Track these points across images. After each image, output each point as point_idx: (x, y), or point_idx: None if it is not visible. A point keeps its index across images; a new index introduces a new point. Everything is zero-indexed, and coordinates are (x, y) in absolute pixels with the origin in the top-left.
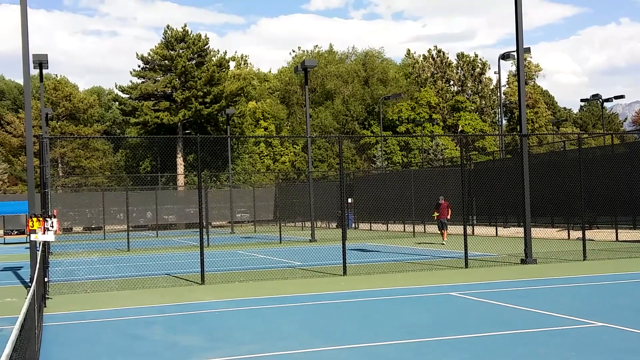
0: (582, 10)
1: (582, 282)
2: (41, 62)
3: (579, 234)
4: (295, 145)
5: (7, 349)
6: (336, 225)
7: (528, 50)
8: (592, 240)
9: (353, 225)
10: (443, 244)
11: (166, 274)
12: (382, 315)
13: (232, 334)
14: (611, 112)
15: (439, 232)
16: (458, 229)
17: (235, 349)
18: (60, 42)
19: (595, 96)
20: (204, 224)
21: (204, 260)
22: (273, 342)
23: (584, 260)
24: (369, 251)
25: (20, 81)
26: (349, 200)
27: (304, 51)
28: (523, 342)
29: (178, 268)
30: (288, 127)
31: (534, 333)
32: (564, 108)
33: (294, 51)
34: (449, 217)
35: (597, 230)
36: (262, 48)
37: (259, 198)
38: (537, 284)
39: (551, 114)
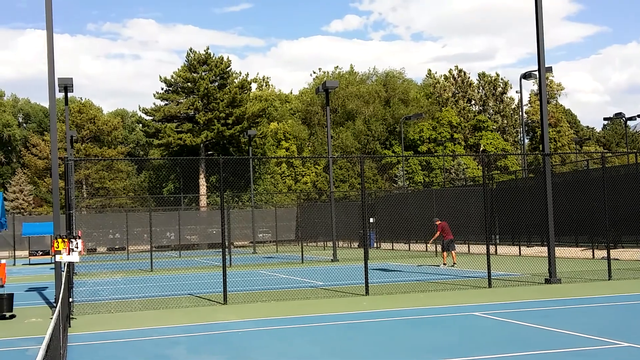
0: (602, 29)
1: (607, 302)
2: (66, 86)
3: (603, 253)
4: (316, 166)
5: None
6: (358, 245)
7: (550, 69)
8: (617, 259)
9: (375, 244)
10: (443, 265)
11: (189, 294)
12: (405, 335)
13: (255, 354)
14: (634, 131)
15: (446, 253)
16: (481, 249)
17: None
18: (84, 65)
19: (618, 115)
20: (227, 244)
21: (227, 280)
22: None
23: (609, 279)
24: (391, 271)
25: (46, 104)
26: (371, 219)
27: (324, 72)
28: None
29: (201, 288)
30: (309, 148)
31: (559, 354)
32: (587, 127)
33: (314, 72)
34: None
35: (622, 249)
36: (283, 70)
37: (281, 218)
38: (562, 304)
39: (574, 133)
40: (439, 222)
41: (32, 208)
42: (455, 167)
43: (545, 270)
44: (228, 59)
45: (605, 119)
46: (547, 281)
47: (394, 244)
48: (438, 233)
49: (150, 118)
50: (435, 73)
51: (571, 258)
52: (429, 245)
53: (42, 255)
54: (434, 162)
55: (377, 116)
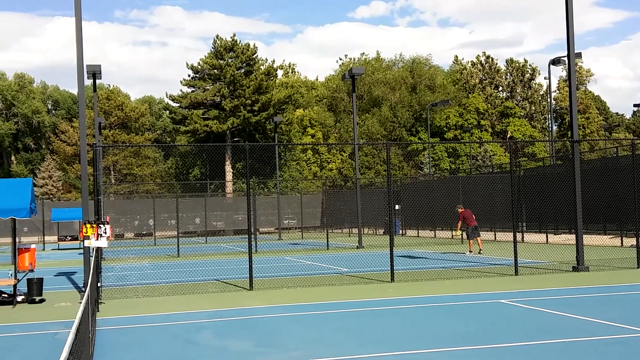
0: (633, 14)
1: (636, 290)
2: (94, 73)
3: (632, 241)
4: (342, 152)
5: (65, 353)
6: (383, 232)
7: (579, 55)
8: None
9: (400, 231)
10: (469, 252)
11: (215, 280)
12: (431, 322)
13: (281, 340)
14: None
15: (472, 241)
16: (508, 236)
17: (284, 354)
18: (112, 52)
19: None
20: (252, 230)
21: (252, 266)
22: (322, 348)
23: (637, 267)
24: (417, 258)
25: (74, 91)
26: (396, 206)
27: (350, 59)
28: (576, 351)
29: (227, 274)
30: (335, 134)
31: (587, 342)
32: (616, 113)
33: (340, 59)
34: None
35: None
36: (309, 56)
37: (306, 205)
38: (590, 292)
39: (603, 120)
40: (462, 209)
41: (61, 194)
42: (482, 154)
43: (572, 258)
44: (254, 45)
45: (635, 105)
46: (575, 269)
47: (419, 231)
48: (460, 222)
49: (177, 105)
50: (462, 59)
51: (599, 246)
52: (455, 233)
53: (70, 240)
54: (460, 149)
55: (403, 103)
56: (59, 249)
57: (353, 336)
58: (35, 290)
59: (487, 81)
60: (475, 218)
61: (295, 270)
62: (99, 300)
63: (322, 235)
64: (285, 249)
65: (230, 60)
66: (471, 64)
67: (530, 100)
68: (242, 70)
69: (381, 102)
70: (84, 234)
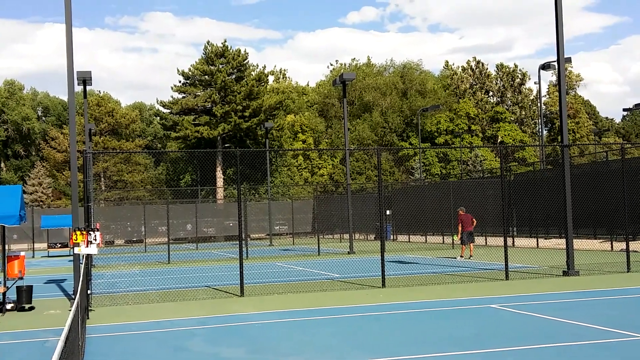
0: (622, 19)
1: (626, 294)
2: (85, 79)
3: (622, 245)
4: (333, 158)
5: None
6: (374, 237)
7: (569, 60)
8: (635, 251)
9: (391, 237)
10: (460, 257)
11: (206, 286)
12: (422, 327)
13: (273, 346)
14: None
15: (465, 245)
16: (498, 241)
17: None
18: (102, 59)
19: (638, 105)
20: (243, 236)
21: (243, 272)
22: (313, 354)
23: (627, 271)
24: (408, 263)
25: (65, 98)
26: (387, 212)
27: (341, 64)
28: (567, 355)
29: (218, 280)
30: (326, 140)
31: (577, 346)
32: (606, 118)
33: (331, 64)
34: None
35: None
36: (300, 62)
37: (298, 210)
38: (580, 296)
39: (593, 124)
40: (462, 213)
41: (51, 201)
42: (472, 159)
43: (563, 263)
44: (245, 51)
45: (624, 109)
46: (565, 273)
47: (410, 236)
48: (460, 225)
49: (168, 111)
50: (453, 64)
51: (589, 250)
52: (457, 237)
53: (60, 247)
54: (451, 154)
55: (394, 108)
56: (48, 256)
57: (345, 342)
58: (24, 297)
59: (477, 86)
60: (473, 224)
61: (286, 276)
62: (89, 308)
63: (313, 241)
64: (277, 255)
65: (221, 66)
66: (461, 69)
67: (520, 105)
68: (233, 76)
69: (372, 107)
70: (74, 241)
